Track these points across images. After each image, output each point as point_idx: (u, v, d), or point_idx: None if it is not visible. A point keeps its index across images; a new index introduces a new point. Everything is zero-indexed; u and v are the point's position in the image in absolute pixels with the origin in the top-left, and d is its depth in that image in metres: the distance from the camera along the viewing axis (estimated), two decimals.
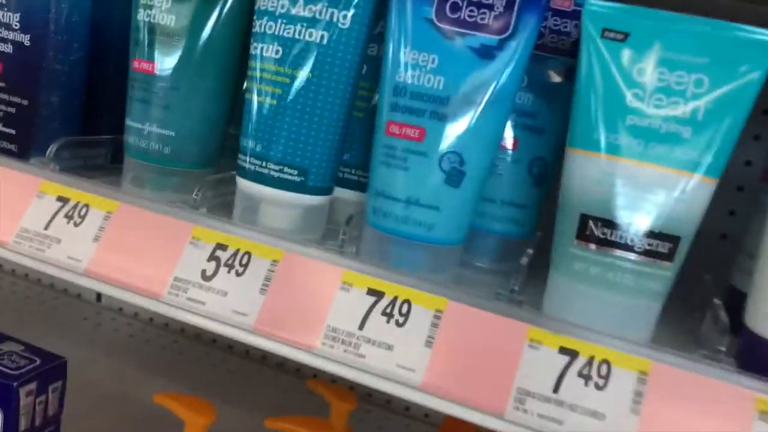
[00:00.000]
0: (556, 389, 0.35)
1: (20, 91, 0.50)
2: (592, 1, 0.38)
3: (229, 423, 0.68)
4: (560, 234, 0.39)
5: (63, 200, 0.46)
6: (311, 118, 0.43)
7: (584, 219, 0.37)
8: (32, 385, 0.57)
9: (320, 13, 0.42)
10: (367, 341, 0.38)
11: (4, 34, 0.49)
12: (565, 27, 0.48)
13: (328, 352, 0.38)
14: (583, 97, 0.38)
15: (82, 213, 0.45)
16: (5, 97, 0.50)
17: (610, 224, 0.37)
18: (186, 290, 0.41)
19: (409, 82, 0.40)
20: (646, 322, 0.38)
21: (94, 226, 0.44)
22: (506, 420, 0.35)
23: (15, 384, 0.55)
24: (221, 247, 0.42)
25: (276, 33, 0.43)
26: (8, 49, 0.49)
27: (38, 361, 0.59)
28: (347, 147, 0.48)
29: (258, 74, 0.44)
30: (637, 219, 0.36)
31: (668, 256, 0.37)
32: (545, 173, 0.49)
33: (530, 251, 0.44)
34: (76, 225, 0.45)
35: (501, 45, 0.40)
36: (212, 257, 0.41)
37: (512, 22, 0.40)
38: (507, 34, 0.40)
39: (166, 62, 0.47)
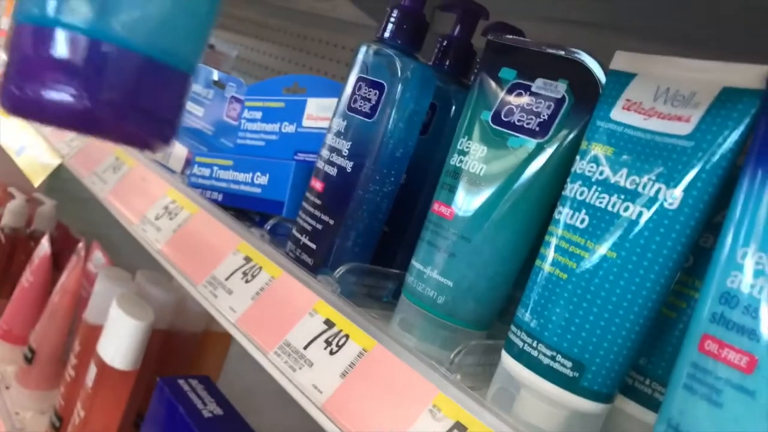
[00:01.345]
0: None
1: (331, 211, 0.52)
2: None
3: None
4: None
5: (329, 324, 0.45)
6: (603, 305, 0.35)
7: None
8: None
9: (644, 187, 0.35)
10: None
11: (333, 158, 0.53)
12: None
13: None
14: None
15: (341, 342, 0.43)
16: (318, 213, 0.53)
17: None
18: None
19: (747, 291, 0.30)
20: None
21: (346, 360, 0.42)
22: None
23: None
24: (460, 428, 0.35)
25: (587, 200, 0.37)
26: (333, 171, 0.53)
27: None
28: (645, 350, 0.38)
29: (554, 240, 0.38)
30: None
31: None
32: None
33: None
34: (331, 353, 0.43)
35: None
36: None
37: None
38: None
39: (464, 210, 0.45)
